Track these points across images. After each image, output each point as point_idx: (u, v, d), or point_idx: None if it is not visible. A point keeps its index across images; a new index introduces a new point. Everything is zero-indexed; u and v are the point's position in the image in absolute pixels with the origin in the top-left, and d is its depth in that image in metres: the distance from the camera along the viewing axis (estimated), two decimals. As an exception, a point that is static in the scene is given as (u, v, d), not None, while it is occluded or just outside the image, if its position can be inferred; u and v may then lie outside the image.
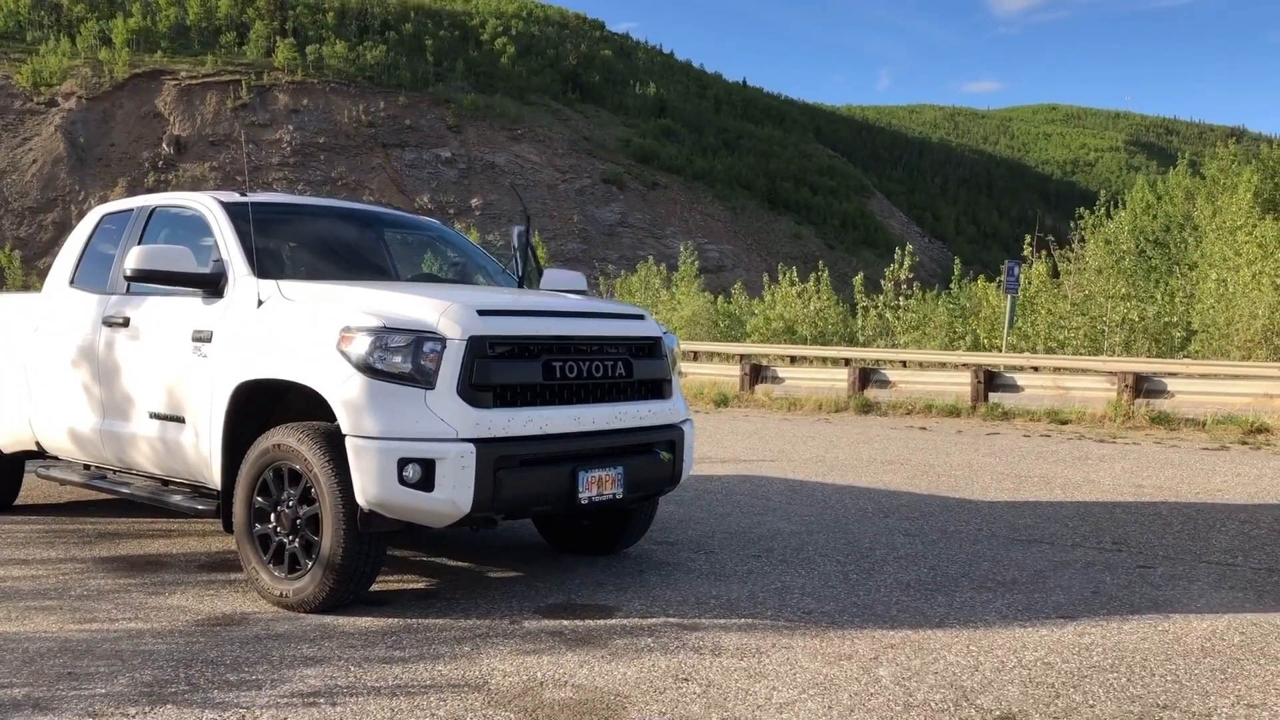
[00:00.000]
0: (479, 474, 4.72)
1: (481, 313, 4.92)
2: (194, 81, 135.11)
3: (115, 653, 4.32)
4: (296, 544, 4.98)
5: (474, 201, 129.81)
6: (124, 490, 6.09)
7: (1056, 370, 19.07)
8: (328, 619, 4.85)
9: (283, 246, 6.12)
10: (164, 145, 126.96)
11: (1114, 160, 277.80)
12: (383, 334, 4.75)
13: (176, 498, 5.71)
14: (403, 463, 4.65)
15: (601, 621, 4.85)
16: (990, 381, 17.28)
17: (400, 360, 4.74)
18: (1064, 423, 15.66)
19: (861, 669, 4.21)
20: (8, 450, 7.08)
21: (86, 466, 6.63)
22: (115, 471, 6.34)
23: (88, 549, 6.31)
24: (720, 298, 44.38)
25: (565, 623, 4.83)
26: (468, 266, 6.82)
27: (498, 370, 4.87)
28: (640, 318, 5.72)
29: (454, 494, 4.69)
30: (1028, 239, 37.34)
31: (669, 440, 5.62)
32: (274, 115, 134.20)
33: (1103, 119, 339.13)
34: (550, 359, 5.06)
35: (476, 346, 4.81)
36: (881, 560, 6.26)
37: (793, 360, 32.17)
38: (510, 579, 5.71)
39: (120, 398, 5.95)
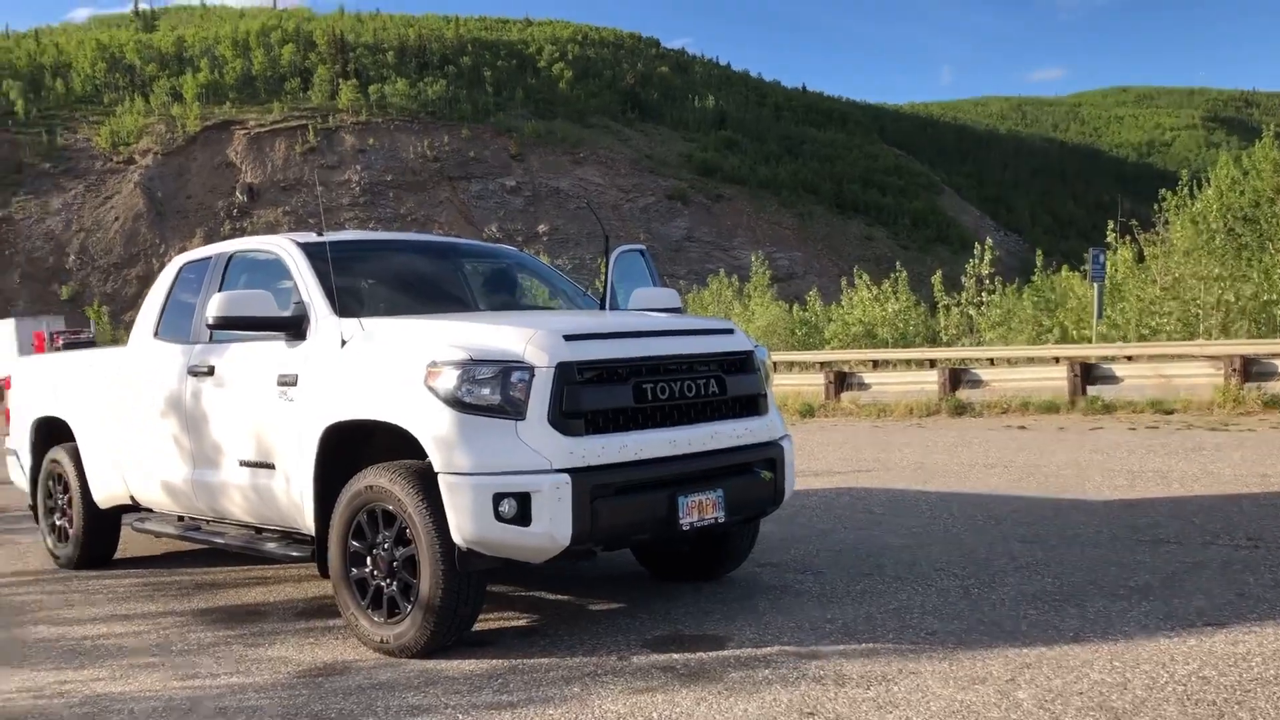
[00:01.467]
0: (576, 505, 4.53)
1: (568, 338, 4.75)
2: (262, 129, 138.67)
3: (219, 710, 4.21)
4: (394, 587, 4.85)
5: (541, 228, 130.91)
6: (218, 541, 6.04)
7: (1154, 359, 18.36)
8: (430, 663, 4.70)
9: (362, 284, 6.03)
10: (237, 193, 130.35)
11: (1191, 138, 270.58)
12: (470, 366, 4.60)
13: (270, 545, 5.63)
14: (498, 498, 4.49)
15: (713, 654, 4.62)
16: (1087, 374, 16.68)
17: (489, 392, 4.58)
18: (1169, 413, 15.03)
19: (999, 693, 3.92)
20: (104, 505, 7.10)
21: (181, 518, 6.61)
22: (209, 522, 6.29)
23: (186, 601, 6.27)
24: (795, 306, 43.95)
25: (675, 656, 4.61)
26: (547, 292, 6.67)
27: (588, 396, 4.69)
28: (730, 332, 5.50)
29: (552, 527, 4.51)
30: (1110, 225, 36.31)
31: (768, 458, 5.38)
32: (341, 157, 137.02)
33: (1177, 97, 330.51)
34: (640, 381, 4.86)
35: (565, 373, 4.63)
36: (1001, 571, 5.93)
37: (875, 365, 31.61)
38: (612, 611, 5.51)
39: (209, 447, 5.90)
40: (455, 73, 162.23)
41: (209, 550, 7.61)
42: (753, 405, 5.38)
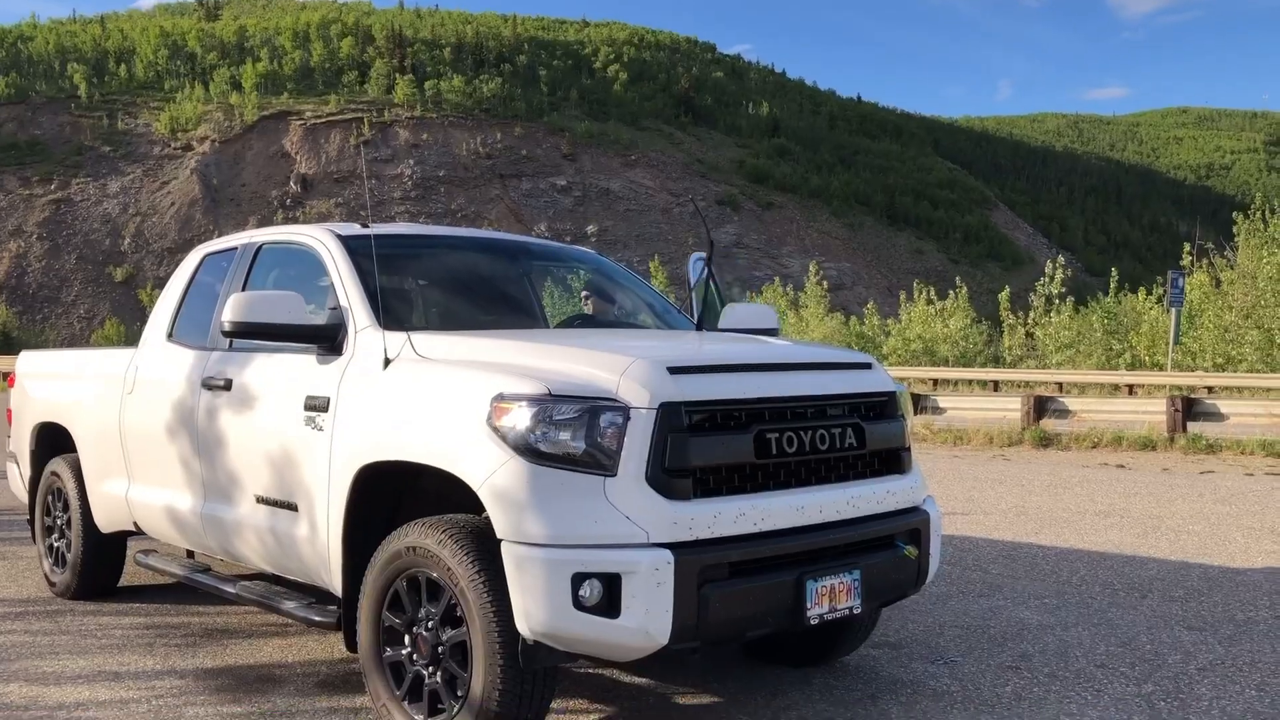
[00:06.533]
0: (679, 591, 3.45)
1: (673, 370, 3.67)
2: (319, 121, 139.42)
3: (205, 846, 3.19)
4: (439, 678, 3.80)
5: (590, 228, 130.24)
6: (228, 590, 5.03)
7: (1270, 393, 16.96)
8: (481, 782, 3.64)
9: (413, 288, 5.02)
10: (291, 183, 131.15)
11: (1252, 162, 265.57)
12: (547, 404, 3.54)
13: (289, 605, 4.60)
14: (578, 579, 3.42)
15: (850, 792, 3.53)
16: (1189, 410, 15.35)
17: (570, 438, 3.52)
18: (1282, 456, 13.69)
19: None
20: (106, 530, 6.13)
21: (190, 554, 5.63)
22: (221, 561, 5.30)
23: (190, 655, 5.26)
24: (852, 319, 42.61)
25: (800, 793, 3.52)
26: (632, 306, 5.58)
27: (697, 448, 3.61)
28: (868, 367, 4.40)
29: (647, 620, 3.43)
30: (1186, 248, 34.67)
31: (912, 528, 4.27)
32: (395, 151, 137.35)
33: (1238, 119, 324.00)
34: (763, 429, 3.78)
35: (670, 417, 3.55)
36: (1182, 674, 4.78)
37: (936, 384, 30.33)
38: (706, 709, 4.43)
39: (224, 476, 4.90)
40: (511, 71, 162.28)
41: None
42: (895, 461, 4.28)
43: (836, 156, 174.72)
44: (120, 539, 6.33)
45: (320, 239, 4.87)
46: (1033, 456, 14.88)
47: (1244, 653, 5.12)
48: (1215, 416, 15.29)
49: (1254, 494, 10.66)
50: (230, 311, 4.38)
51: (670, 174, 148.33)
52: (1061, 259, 35.60)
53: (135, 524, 5.82)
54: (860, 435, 4.08)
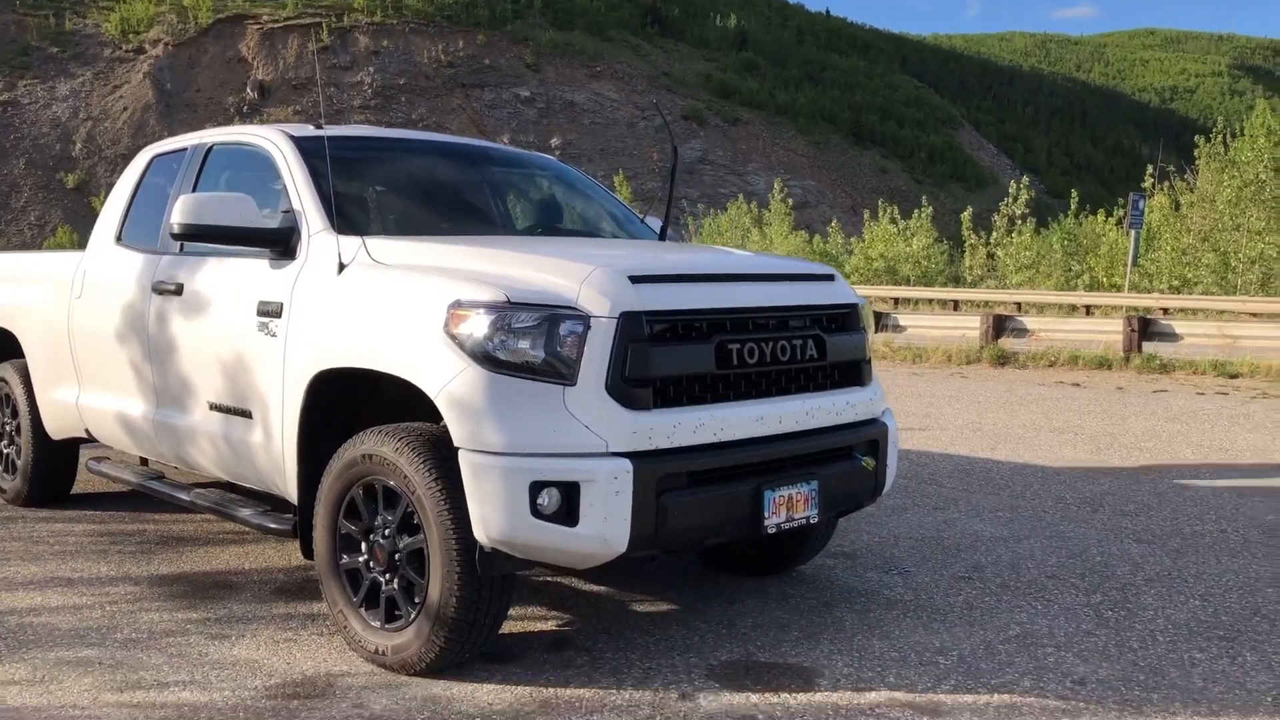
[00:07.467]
0: (637, 500, 3.45)
1: (634, 279, 3.62)
2: (276, 25, 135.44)
3: (159, 749, 3.19)
4: (395, 585, 3.79)
5: (554, 141, 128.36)
6: (182, 498, 4.97)
7: (1223, 315, 17.21)
8: (438, 686, 3.66)
9: (368, 192, 4.89)
10: (248, 90, 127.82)
11: (1215, 85, 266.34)
12: (506, 311, 3.48)
13: (245, 512, 4.56)
14: (536, 487, 3.40)
15: (802, 696, 3.58)
16: (1144, 330, 15.54)
17: (529, 346, 3.47)
18: (1233, 376, 13.92)
19: (1211, 801, 2.88)
20: (57, 437, 6.04)
21: (144, 461, 5.56)
22: (175, 469, 5.24)
23: (145, 562, 5.23)
24: (816, 237, 42.58)
25: (754, 697, 3.57)
26: (594, 214, 5.49)
27: (658, 358, 3.57)
28: (830, 278, 4.37)
29: (604, 528, 3.44)
30: (1148, 170, 34.83)
31: (870, 440, 4.29)
32: (354, 58, 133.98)
33: (1204, 42, 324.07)
34: (724, 340, 3.75)
35: (630, 326, 3.51)
36: (1130, 584, 4.88)
37: (897, 303, 30.49)
38: (663, 616, 4.47)
39: (175, 383, 4.81)
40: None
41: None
42: (855, 373, 4.28)
43: (804, 72, 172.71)
44: (72, 446, 6.25)
45: (273, 140, 4.72)
46: (990, 374, 15.05)
47: (1190, 565, 5.23)
48: (1170, 337, 15.52)
49: (1204, 413, 10.86)
50: (179, 214, 4.26)
51: (636, 86, 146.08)
52: (1025, 180, 35.63)
53: (87, 431, 5.73)
54: (821, 347, 4.07)
